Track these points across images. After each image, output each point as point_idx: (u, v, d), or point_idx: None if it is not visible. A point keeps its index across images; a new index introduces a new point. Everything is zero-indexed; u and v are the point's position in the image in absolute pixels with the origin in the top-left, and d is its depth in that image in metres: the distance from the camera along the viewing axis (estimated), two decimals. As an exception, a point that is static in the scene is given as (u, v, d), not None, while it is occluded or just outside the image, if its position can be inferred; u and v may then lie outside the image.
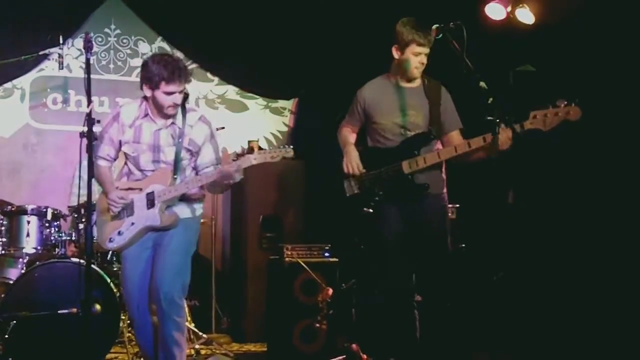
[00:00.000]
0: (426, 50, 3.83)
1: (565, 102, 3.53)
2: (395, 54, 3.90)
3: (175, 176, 3.73)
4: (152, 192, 3.71)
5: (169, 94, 3.59)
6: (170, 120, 3.73)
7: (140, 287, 3.77)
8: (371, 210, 3.81)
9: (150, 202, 3.71)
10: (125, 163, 3.87)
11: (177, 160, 3.73)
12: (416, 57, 3.84)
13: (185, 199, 3.81)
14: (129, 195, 3.74)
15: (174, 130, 3.74)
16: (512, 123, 3.49)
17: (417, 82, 3.92)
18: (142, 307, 3.79)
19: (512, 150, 3.65)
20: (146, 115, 3.74)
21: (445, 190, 3.92)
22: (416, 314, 3.83)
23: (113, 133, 3.77)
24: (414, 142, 3.80)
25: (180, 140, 3.73)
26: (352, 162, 3.90)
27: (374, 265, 3.94)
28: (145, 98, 3.73)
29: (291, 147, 3.74)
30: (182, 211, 3.82)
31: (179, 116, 3.75)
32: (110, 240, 3.75)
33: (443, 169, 3.91)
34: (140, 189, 3.75)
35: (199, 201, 3.91)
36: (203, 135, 3.79)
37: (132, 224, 3.73)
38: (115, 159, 3.88)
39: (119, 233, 3.74)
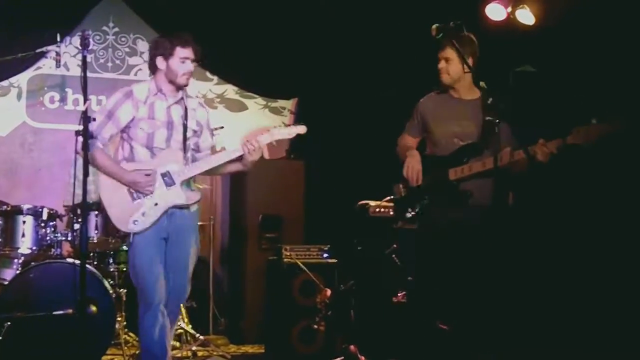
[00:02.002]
0: (441, 54, 3.84)
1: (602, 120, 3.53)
2: None
3: (186, 155, 3.80)
4: (168, 172, 3.73)
5: (184, 60, 3.72)
6: (180, 95, 3.82)
7: (155, 274, 3.71)
8: (414, 213, 3.84)
9: (169, 182, 3.72)
10: (121, 147, 3.81)
11: (185, 140, 3.80)
12: (439, 63, 3.89)
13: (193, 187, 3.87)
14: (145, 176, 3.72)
15: (182, 108, 3.83)
16: (526, 149, 3.49)
17: (476, 95, 3.90)
18: (159, 294, 3.72)
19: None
20: (157, 92, 3.79)
21: (491, 195, 3.87)
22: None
23: (125, 111, 3.73)
24: (464, 151, 3.80)
25: (186, 122, 3.81)
26: (414, 168, 3.86)
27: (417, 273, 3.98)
28: (154, 77, 3.80)
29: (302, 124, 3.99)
30: (195, 198, 3.86)
31: (184, 98, 3.86)
32: (135, 222, 3.66)
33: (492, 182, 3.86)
34: (152, 170, 3.72)
35: (199, 190, 4.00)
36: (204, 119, 3.95)
37: (156, 204, 3.70)
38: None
39: (143, 214, 3.68)
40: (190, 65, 3.77)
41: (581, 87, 5.19)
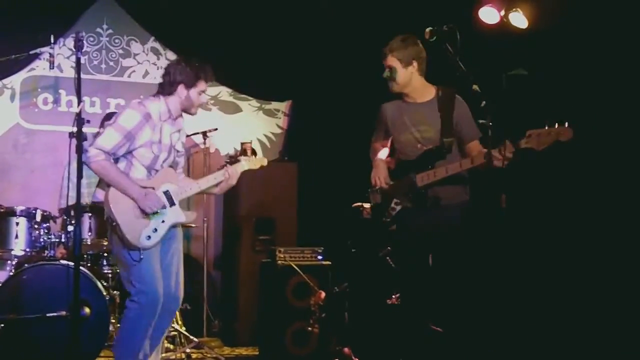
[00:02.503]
0: (385, 63, 3.90)
1: (557, 123, 3.56)
2: None
3: (179, 176, 3.95)
4: (168, 191, 3.82)
5: (201, 93, 3.86)
6: (181, 125, 3.97)
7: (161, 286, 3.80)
8: (389, 220, 3.91)
9: (170, 201, 3.82)
10: (125, 161, 3.83)
11: (176, 161, 3.96)
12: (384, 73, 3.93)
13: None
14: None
15: (179, 135, 3.96)
16: (507, 140, 3.53)
17: (431, 95, 3.92)
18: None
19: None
20: (169, 117, 3.86)
21: (467, 198, 3.91)
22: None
23: (144, 134, 3.74)
24: (428, 156, 3.84)
25: (177, 146, 3.95)
26: (380, 174, 3.96)
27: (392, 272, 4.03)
28: (167, 100, 3.83)
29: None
30: (192, 218, 4.05)
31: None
32: (148, 238, 3.73)
33: (462, 180, 3.89)
34: (153, 188, 3.79)
35: None
36: (184, 138, 4.09)
37: (163, 221, 3.80)
38: None
39: (155, 230, 3.76)
40: (205, 98, 3.96)
41: (573, 89, 5.21)
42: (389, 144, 4.10)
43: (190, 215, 3.97)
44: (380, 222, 3.96)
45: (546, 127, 3.56)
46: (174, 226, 3.89)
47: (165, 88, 3.83)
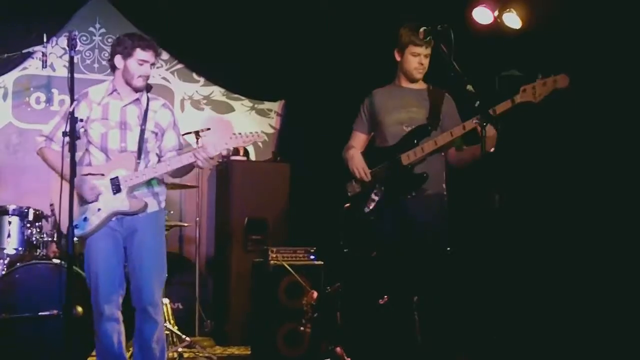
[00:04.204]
0: (424, 51, 3.92)
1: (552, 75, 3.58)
2: (397, 57, 4.03)
3: (138, 161, 3.75)
4: (117, 178, 3.70)
5: (142, 62, 3.72)
6: (135, 96, 3.79)
7: (109, 280, 3.72)
8: (371, 207, 3.86)
9: (116, 188, 3.70)
10: (85, 151, 3.81)
11: (140, 143, 3.76)
12: (415, 57, 3.93)
13: (151, 191, 3.84)
14: (94, 181, 3.70)
15: (140, 109, 3.80)
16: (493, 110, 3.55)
17: (422, 85, 3.99)
18: (113, 301, 3.73)
19: (497, 152, 3.66)
20: (113, 91, 3.80)
21: (444, 187, 3.93)
22: (416, 316, 3.83)
23: (80, 110, 3.73)
24: (413, 134, 3.86)
25: (143, 126, 3.78)
26: (358, 166, 3.94)
27: (374, 265, 3.99)
28: (113, 77, 3.81)
29: (261, 132, 3.93)
30: (150, 205, 3.82)
31: (144, 98, 3.83)
32: (76, 227, 3.60)
33: (443, 166, 3.92)
34: (102, 175, 3.71)
35: (164, 192, 3.94)
36: (167, 120, 3.89)
37: (99, 209, 3.69)
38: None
39: (85, 219, 3.68)
40: (147, 69, 3.76)
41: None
42: (364, 145, 4.11)
43: (136, 203, 3.73)
44: (360, 211, 3.92)
45: (539, 79, 3.57)
46: (120, 214, 3.72)
47: (110, 66, 3.82)
